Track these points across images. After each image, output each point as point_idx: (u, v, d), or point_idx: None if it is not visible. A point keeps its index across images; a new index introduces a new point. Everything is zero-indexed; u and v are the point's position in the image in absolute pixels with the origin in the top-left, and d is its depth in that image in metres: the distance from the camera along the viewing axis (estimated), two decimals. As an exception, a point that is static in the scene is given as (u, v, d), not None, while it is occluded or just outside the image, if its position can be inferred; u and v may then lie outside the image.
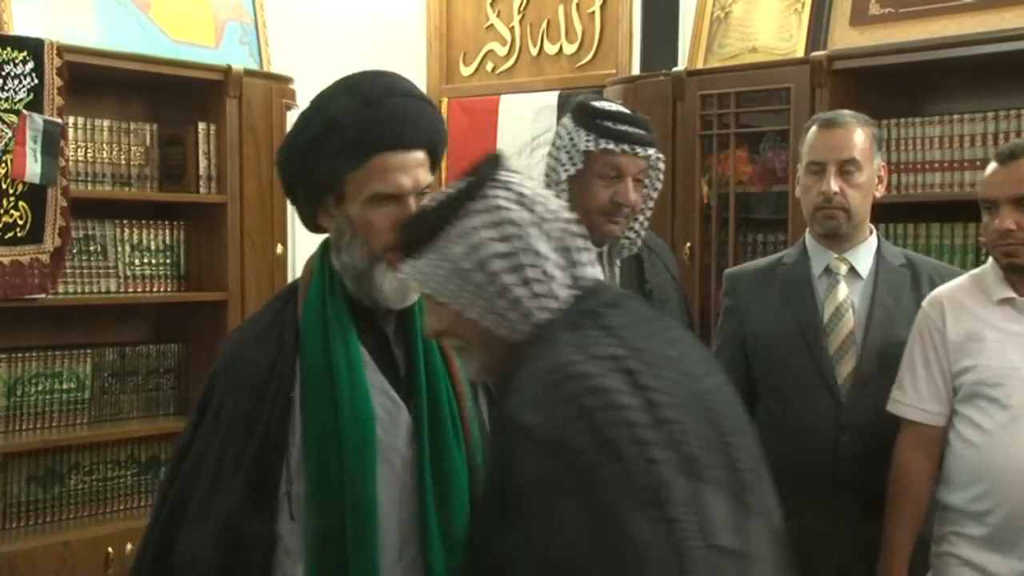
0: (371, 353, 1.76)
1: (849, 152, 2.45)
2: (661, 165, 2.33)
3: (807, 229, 2.60)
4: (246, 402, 1.71)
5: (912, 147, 3.36)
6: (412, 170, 1.73)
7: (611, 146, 2.23)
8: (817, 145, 2.48)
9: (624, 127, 2.25)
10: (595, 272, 1.41)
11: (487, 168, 1.43)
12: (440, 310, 1.44)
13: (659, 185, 2.34)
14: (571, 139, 2.27)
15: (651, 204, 2.35)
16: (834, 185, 2.43)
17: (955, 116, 3.30)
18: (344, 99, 1.76)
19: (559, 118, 4.65)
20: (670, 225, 3.75)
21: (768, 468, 2.45)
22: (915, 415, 2.32)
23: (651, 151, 2.28)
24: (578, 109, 2.31)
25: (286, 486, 1.70)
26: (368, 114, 1.72)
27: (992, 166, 2.26)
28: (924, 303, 2.36)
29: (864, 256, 2.52)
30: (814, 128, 2.52)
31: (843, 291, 2.49)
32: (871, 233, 2.55)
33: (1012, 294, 2.25)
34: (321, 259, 1.80)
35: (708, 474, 1.22)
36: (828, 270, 2.52)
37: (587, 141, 2.24)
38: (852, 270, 2.51)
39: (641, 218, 2.32)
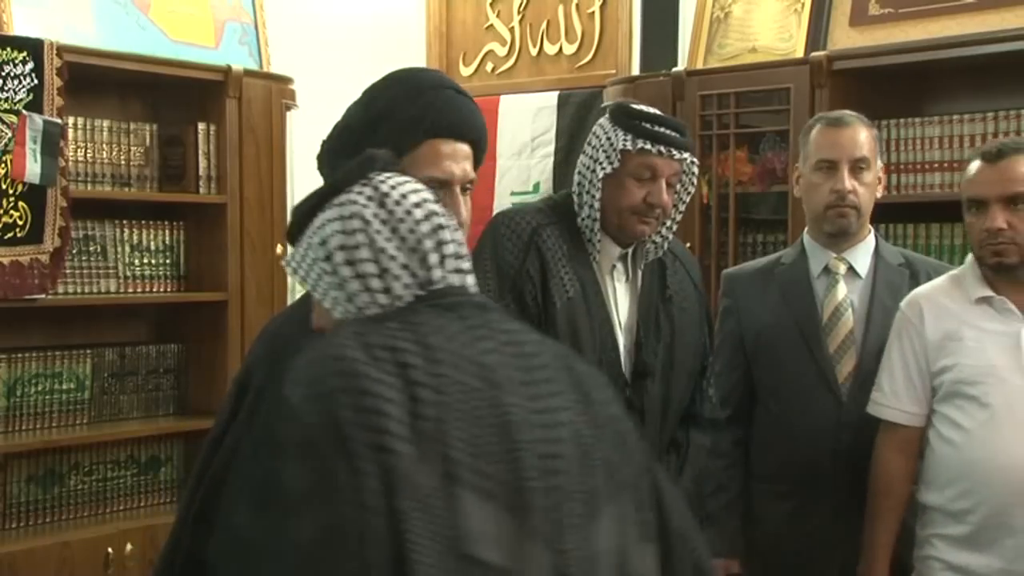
0: None
1: (860, 150, 2.47)
2: (695, 169, 2.33)
3: (805, 229, 2.60)
4: None
5: (912, 147, 3.35)
6: (461, 160, 1.80)
7: (648, 146, 2.24)
8: (827, 143, 2.49)
9: (662, 129, 2.27)
10: (458, 279, 1.38)
11: (360, 166, 1.44)
12: (315, 302, 1.44)
13: (692, 190, 2.35)
14: (608, 139, 2.28)
15: (682, 208, 2.35)
16: (848, 183, 2.45)
17: (955, 116, 3.30)
18: (398, 87, 1.82)
19: (559, 118, 4.68)
20: (670, 225, 3.75)
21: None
22: (894, 416, 2.32)
23: (686, 155, 2.29)
24: (616, 110, 2.33)
25: None
26: (423, 101, 1.78)
27: (977, 165, 2.26)
28: (902, 303, 2.36)
29: (863, 256, 2.53)
30: (820, 127, 2.52)
31: (842, 291, 2.50)
32: (869, 233, 2.56)
33: (990, 292, 2.25)
34: None
35: (471, 480, 1.18)
36: (827, 270, 2.52)
37: (624, 140, 2.25)
38: (851, 270, 2.52)
39: (669, 222, 2.33)
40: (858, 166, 2.47)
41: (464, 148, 1.82)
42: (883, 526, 2.33)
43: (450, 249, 1.38)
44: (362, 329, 1.28)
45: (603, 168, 2.26)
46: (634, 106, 2.33)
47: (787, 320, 2.51)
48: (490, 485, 1.20)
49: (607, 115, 2.33)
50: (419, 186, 1.43)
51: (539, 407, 1.27)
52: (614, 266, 2.34)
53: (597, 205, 2.27)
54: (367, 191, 1.39)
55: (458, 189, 1.79)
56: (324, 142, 1.87)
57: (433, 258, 1.37)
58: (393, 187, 1.40)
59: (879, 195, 2.56)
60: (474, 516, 1.18)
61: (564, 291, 2.24)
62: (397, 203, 1.38)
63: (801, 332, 2.48)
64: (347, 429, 1.17)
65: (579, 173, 2.34)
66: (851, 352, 2.45)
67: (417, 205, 1.39)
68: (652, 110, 2.31)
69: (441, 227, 1.38)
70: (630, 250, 2.35)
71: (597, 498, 1.27)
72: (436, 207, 1.40)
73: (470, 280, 1.40)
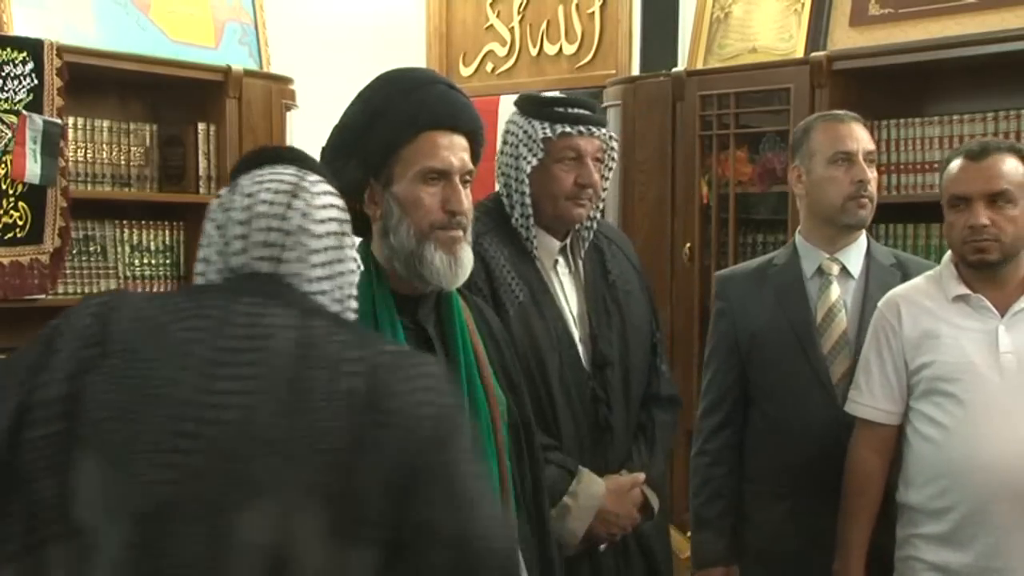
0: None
1: (870, 144, 2.53)
2: (615, 144, 2.38)
3: (797, 229, 2.61)
4: None
5: (912, 147, 3.35)
6: (459, 151, 1.84)
7: (568, 129, 2.29)
8: (842, 136, 2.51)
9: (576, 110, 2.31)
10: (268, 267, 1.40)
11: (247, 157, 1.53)
12: None
13: (613, 165, 2.41)
14: (526, 132, 2.31)
15: (606, 186, 2.40)
16: (868, 173, 2.49)
17: (955, 116, 3.30)
18: (392, 86, 1.86)
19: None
20: (670, 225, 3.75)
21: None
22: (870, 414, 2.33)
23: (604, 131, 2.34)
24: (525, 102, 2.36)
25: None
26: (417, 96, 1.82)
27: (960, 163, 2.26)
28: (880, 303, 2.37)
29: (855, 256, 2.54)
30: (827, 123, 2.55)
31: (835, 291, 2.51)
32: (861, 233, 2.57)
33: (966, 291, 2.26)
34: (365, 254, 1.86)
35: (94, 440, 1.23)
36: (820, 271, 2.53)
37: (543, 129, 2.29)
38: (844, 270, 2.53)
39: (599, 203, 2.37)
40: (869, 159, 2.51)
41: (460, 140, 1.84)
42: (857, 524, 2.34)
43: (258, 237, 1.40)
44: (125, 295, 1.41)
45: (528, 162, 2.29)
46: (541, 95, 2.40)
47: (781, 321, 2.51)
48: (108, 448, 1.23)
49: (515, 111, 2.36)
50: (280, 179, 1.44)
51: (213, 388, 1.26)
52: (556, 260, 2.37)
53: (528, 200, 2.30)
54: (232, 183, 1.47)
55: (458, 179, 1.82)
56: (323, 148, 1.89)
57: (236, 245, 1.40)
58: (252, 179, 1.44)
59: None
60: (83, 474, 1.22)
61: (514, 296, 2.26)
62: (240, 194, 1.43)
63: (795, 333, 2.49)
64: (36, 349, 1.33)
65: (503, 174, 2.36)
66: (845, 352, 2.46)
67: (249, 195, 1.42)
68: (558, 95, 2.35)
69: (258, 216, 1.40)
70: (568, 241, 2.38)
71: (257, 489, 1.23)
72: (270, 196, 1.41)
73: (284, 268, 1.40)
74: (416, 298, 1.86)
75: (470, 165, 1.85)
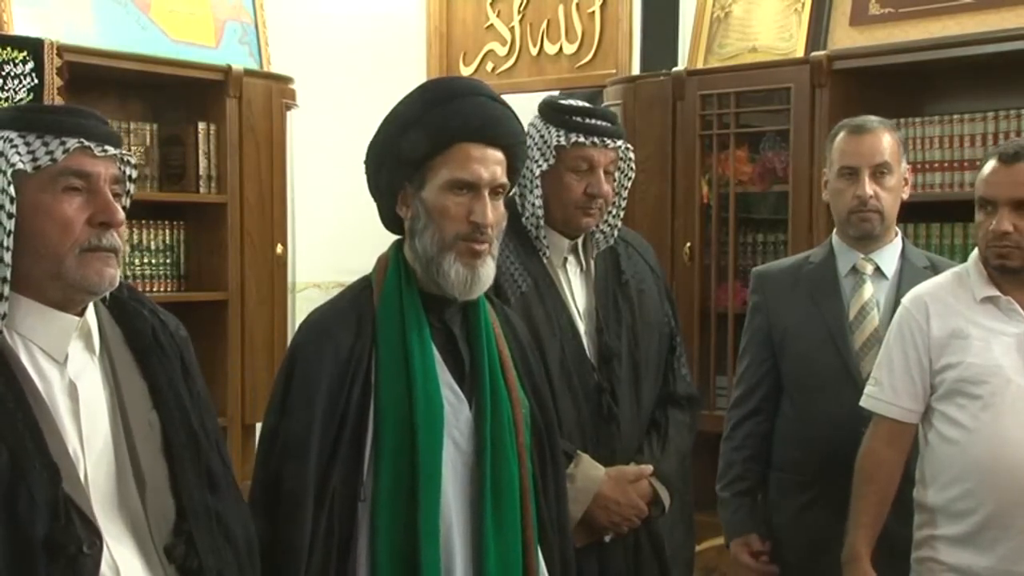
0: (438, 348, 1.87)
1: (881, 156, 2.52)
2: (631, 155, 2.41)
3: (834, 230, 2.65)
4: (332, 379, 1.81)
5: (912, 147, 3.35)
6: (491, 165, 1.86)
7: (581, 139, 2.30)
8: (849, 150, 2.53)
9: (592, 121, 2.33)
10: None
11: None
12: None
13: (631, 175, 2.43)
14: (542, 137, 2.33)
15: (624, 195, 2.43)
16: (869, 189, 2.50)
17: (955, 116, 3.31)
18: (431, 93, 1.90)
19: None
20: (670, 225, 3.75)
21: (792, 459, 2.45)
22: (890, 411, 2.32)
23: (620, 143, 2.36)
24: (546, 107, 2.38)
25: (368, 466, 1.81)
26: (454, 106, 1.85)
27: (993, 165, 2.24)
28: (905, 300, 2.37)
29: (889, 257, 2.58)
30: (843, 134, 2.56)
31: (868, 290, 2.55)
32: (896, 235, 2.60)
33: (996, 292, 2.24)
34: (396, 254, 1.91)
35: None
36: (854, 270, 2.58)
37: (558, 136, 2.31)
38: (877, 270, 2.57)
39: (615, 210, 2.40)
40: (879, 171, 2.52)
41: (495, 153, 1.86)
42: (868, 507, 2.31)
43: None
44: None
45: (539, 166, 2.31)
46: (563, 102, 2.40)
47: (815, 317, 2.56)
48: None
49: (537, 114, 2.38)
50: None
51: None
52: (566, 259, 2.39)
53: (538, 203, 2.32)
54: None
55: (486, 192, 1.84)
56: (373, 139, 1.93)
57: None
58: None
59: (905, 196, 2.60)
60: None
61: (517, 287, 2.29)
62: None
63: (828, 329, 2.53)
64: None
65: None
66: (876, 350, 2.47)
67: None
68: (581, 103, 2.39)
69: None
70: (580, 241, 2.40)
71: None
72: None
73: None
74: (443, 299, 1.89)
75: (502, 179, 1.87)
